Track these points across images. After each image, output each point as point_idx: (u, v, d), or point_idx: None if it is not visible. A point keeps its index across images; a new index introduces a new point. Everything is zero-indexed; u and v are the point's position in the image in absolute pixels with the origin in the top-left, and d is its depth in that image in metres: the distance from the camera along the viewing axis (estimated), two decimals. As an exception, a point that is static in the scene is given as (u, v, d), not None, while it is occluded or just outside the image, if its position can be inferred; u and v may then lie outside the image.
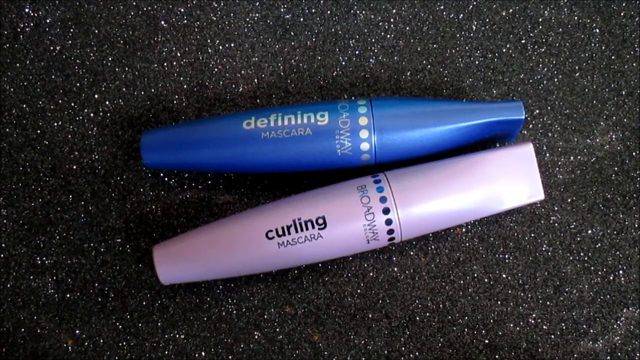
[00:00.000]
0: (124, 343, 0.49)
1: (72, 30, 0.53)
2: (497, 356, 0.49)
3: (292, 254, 0.45)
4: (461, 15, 0.53)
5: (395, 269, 0.50)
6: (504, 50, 0.52)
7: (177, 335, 0.49)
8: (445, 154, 0.47)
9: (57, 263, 0.50)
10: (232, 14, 0.53)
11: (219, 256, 0.45)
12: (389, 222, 0.45)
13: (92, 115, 0.52)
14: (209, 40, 0.53)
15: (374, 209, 0.45)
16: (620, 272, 0.50)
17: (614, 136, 0.52)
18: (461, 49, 0.52)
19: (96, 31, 0.53)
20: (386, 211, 0.45)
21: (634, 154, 0.51)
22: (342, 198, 0.45)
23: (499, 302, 0.50)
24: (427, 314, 0.49)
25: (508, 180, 0.46)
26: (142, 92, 0.52)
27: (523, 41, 0.52)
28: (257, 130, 0.46)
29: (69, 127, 0.52)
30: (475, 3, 0.53)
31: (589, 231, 0.50)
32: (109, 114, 0.52)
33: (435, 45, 0.52)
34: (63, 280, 0.50)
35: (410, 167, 0.47)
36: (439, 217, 0.46)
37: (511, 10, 0.53)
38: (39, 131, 0.52)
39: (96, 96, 0.52)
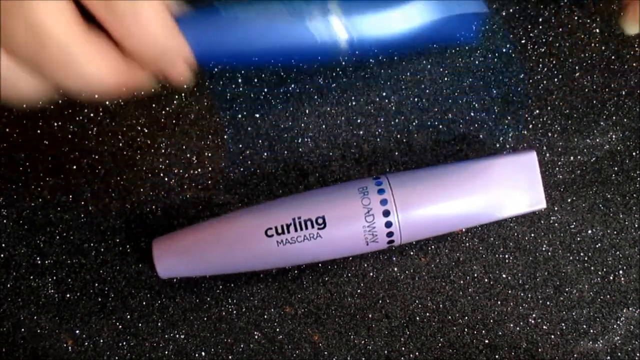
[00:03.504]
0: (124, 343, 0.49)
1: (71, 29, 0.52)
2: (497, 356, 0.49)
3: (291, 252, 0.45)
4: (461, 15, 0.53)
5: (395, 269, 0.50)
6: (504, 50, 0.52)
7: (177, 335, 0.49)
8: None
9: (57, 263, 0.50)
10: (232, 14, 0.53)
11: (218, 251, 0.46)
12: (388, 224, 0.45)
13: (92, 115, 0.52)
14: (208, 40, 0.52)
15: (374, 211, 0.45)
16: (620, 272, 0.50)
17: (614, 136, 0.51)
18: (461, 49, 0.52)
19: (96, 31, 0.52)
20: (386, 214, 0.45)
21: (634, 154, 0.51)
22: (342, 199, 0.45)
23: (499, 302, 0.50)
24: (427, 314, 0.49)
25: (510, 188, 0.46)
26: (142, 92, 0.52)
27: (523, 41, 0.52)
28: None
29: (69, 127, 0.52)
30: (475, 3, 0.53)
31: (589, 231, 0.50)
32: (109, 114, 0.52)
33: (435, 45, 0.52)
34: (63, 280, 0.50)
35: (412, 170, 0.47)
36: (439, 222, 0.45)
37: (511, 10, 0.53)
38: (39, 131, 0.52)
39: (96, 96, 0.52)
